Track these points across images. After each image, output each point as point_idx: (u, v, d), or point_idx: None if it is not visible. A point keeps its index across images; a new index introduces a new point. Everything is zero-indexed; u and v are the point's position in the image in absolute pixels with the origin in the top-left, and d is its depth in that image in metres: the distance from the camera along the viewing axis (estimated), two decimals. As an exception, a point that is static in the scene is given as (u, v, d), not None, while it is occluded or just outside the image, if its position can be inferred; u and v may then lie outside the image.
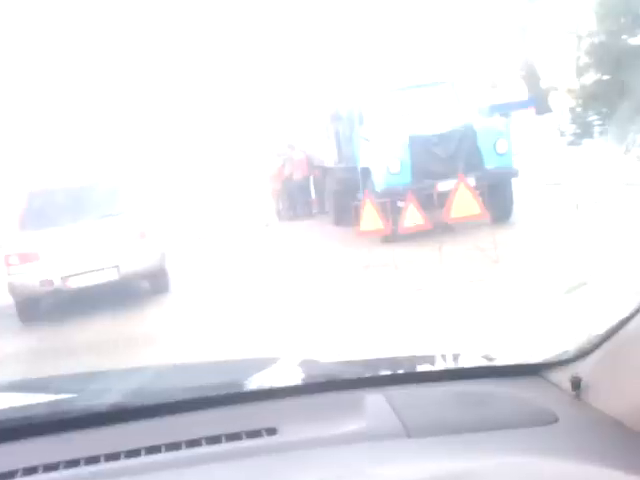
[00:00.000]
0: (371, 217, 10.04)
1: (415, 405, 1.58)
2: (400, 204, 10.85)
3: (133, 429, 1.56)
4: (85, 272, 8.89)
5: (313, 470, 1.37)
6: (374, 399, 1.60)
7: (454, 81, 12.90)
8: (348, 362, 1.99)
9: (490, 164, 11.03)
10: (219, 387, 1.72)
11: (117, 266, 9.01)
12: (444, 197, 10.49)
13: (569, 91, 20.21)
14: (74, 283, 8.95)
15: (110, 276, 9.04)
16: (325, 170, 15.43)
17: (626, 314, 1.34)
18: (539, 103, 23.34)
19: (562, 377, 1.54)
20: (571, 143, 15.08)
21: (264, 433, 1.51)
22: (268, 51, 19.75)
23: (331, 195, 14.95)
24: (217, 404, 1.64)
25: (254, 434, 1.50)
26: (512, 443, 1.40)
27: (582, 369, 1.48)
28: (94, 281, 8.97)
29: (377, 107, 12.44)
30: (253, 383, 1.78)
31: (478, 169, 10.94)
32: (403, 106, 12.26)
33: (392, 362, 1.94)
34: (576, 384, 1.47)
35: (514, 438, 1.42)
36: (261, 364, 1.96)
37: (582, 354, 1.51)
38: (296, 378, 1.81)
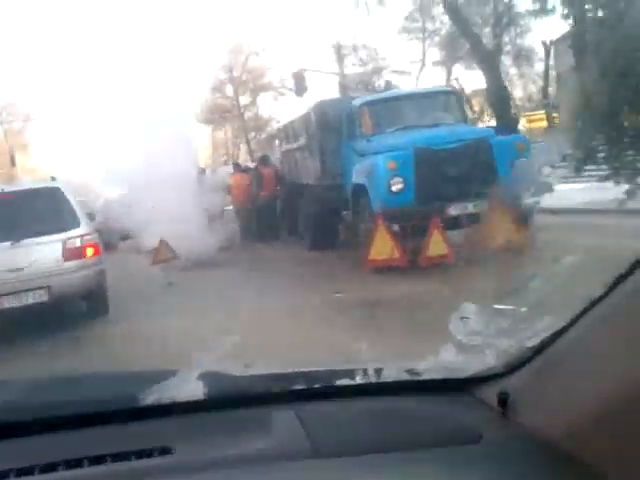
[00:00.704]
0: (383, 244, 8.17)
1: (328, 423, 1.48)
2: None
3: (6, 448, 1.46)
4: (11, 293, 7.87)
5: None
6: (284, 416, 1.49)
7: (459, 92, 11.19)
8: (258, 376, 1.78)
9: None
10: (108, 402, 1.59)
11: (48, 287, 7.98)
12: (455, 222, 8.73)
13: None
14: (-1, 304, 7.86)
15: (40, 297, 7.99)
16: (301, 187, 13.51)
17: (555, 330, 1.28)
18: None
19: (489, 393, 1.46)
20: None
21: (156, 453, 1.39)
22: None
23: (308, 216, 12.99)
24: (106, 421, 1.51)
25: (145, 454, 1.39)
26: (431, 463, 1.32)
27: (509, 385, 1.41)
28: (21, 303, 7.92)
29: (373, 117, 10.60)
30: (149, 398, 1.54)
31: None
32: (404, 116, 10.43)
33: (307, 376, 1.71)
34: (503, 401, 1.39)
35: (433, 458, 1.33)
36: (159, 377, 1.66)
37: (510, 370, 1.44)
38: (198, 392, 1.57)
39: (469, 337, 1.69)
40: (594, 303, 1.17)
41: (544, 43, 31.36)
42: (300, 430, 1.45)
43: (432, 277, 7.92)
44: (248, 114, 41.46)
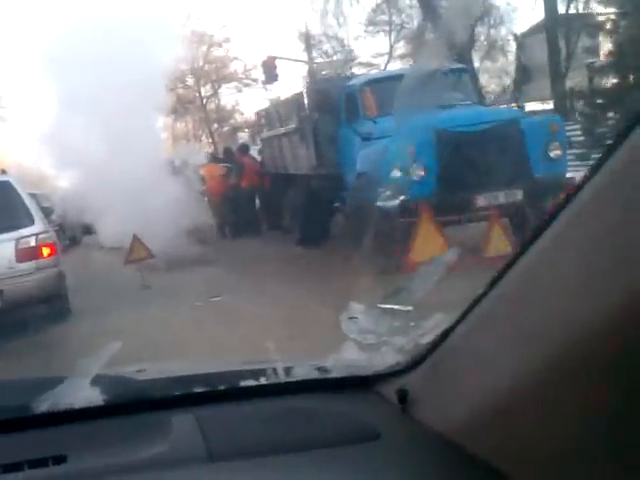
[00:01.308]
0: (429, 241, 6.78)
1: (226, 426, 1.43)
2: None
3: None
4: None
5: None
6: (182, 420, 1.42)
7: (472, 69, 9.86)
8: (158, 379, 1.72)
9: (540, 172, 7.96)
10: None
11: (0, 291, 7.17)
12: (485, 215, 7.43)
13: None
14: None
15: None
16: (287, 178, 12.03)
17: (447, 327, 1.26)
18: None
19: (389, 390, 1.43)
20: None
21: (50, 462, 1.33)
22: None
23: (297, 209, 11.53)
24: None
25: (38, 463, 1.33)
26: (329, 463, 1.30)
27: (409, 382, 1.38)
28: None
29: (378, 96, 9.18)
30: (40, 405, 1.45)
31: (526, 178, 7.85)
32: (416, 94, 9.02)
33: (208, 378, 1.65)
34: (402, 397, 1.37)
35: (332, 457, 1.31)
36: (52, 383, 1.54)
37: (409, 366, 1.41)
38: (94, 398, 1.48)
39: (362, 336, 1.59)
40: (478, 300, 1.13)
41: (515, 35, 30.45)
42: (197, 434, 1.38)
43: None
44: (210, 106, 39.63)
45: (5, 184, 7.76)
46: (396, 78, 9.32)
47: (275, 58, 24.58)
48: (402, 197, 7.86)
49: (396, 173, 7.86)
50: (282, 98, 12.35)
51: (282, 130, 11.54)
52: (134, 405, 1.53)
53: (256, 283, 9.15)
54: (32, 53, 15.00)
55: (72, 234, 16.10)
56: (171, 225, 11.85)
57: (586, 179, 0.85)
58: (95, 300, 9.01)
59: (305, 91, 10.47)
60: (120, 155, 12.29)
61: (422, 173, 7.84)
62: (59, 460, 1.34)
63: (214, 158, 15.46)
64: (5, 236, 7.31)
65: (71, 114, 13.41)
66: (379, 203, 8.22)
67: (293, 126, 10.74)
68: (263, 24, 49.16)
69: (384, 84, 9.25)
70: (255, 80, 38.21)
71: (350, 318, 1.65)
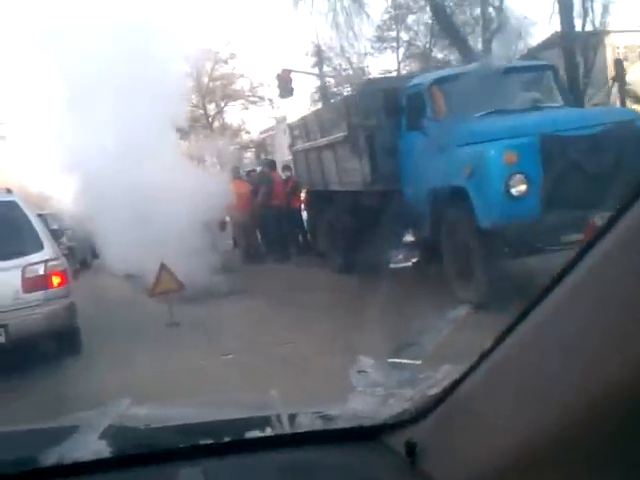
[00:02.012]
0: None
1: (234, 479, 1.43)
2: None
3: None
4: None
5: None
6: (190, 473, 1.38)
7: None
8: (165, 428, 1.64)
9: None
10: (5, 464, 1.42)
11: (4, 325, 6.40)
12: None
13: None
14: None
15: None
16: (329, 195, 10.42)
17: (458, 376, 1.20)
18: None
19: (397, 441, 1.37)
20: None
21: None
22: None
23: (341, 230, 9.92)
24: None
25: None
26: None
27: (417, 434, 1.31)
28: None
29: (453, 97, 7.61)
30: (47, 458, 1.39)
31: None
32: (495, 96, 7.47)
33: (215, 427, 1.60)
34: (410, 449, 1.30)
35: None
36: (60, 433, 1.53)
37: (417, 418, 1.35)
38: (102, 450, 1.43)
39: (371, 389, 1.54)
40: (488, 352, 1.09)
41: (529, 49, 29.15)
42: None
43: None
44: (215, 124, 38.07)
45: (10, 204, 6.93)
46: (470, 75, 7.79)
47: (290, 71, 23.12)
48: (499, 218, 6.27)
49: (493, 186, 6.26)
50: (324, 105, 10.68)
51: (324, 141, 9.92)
52: (142, 457, 1.48)
53: (297, 320, 7.63)
54: (38, 66, 13.20)
55: (82, 257, 14.48)
56: (193, 249, 10.25)
57: (606, 228, 0.80)
58: (113, 339, 7.46)
59: (358, 93, 8.84)
60: (135, 172, 10.71)
61: (524, 187, 6.25)
62: None
63: (238, 173, 13.77)
64: (10, 263, 6.49)
65: (80, 130, 11.84)
66: (462, 225, 6.62)
67: (341, 135, 9.11)
68: (269, 40, 47.66)
69: (457, 82, 7.68)
70: (262, 97, 36.92)
71: (359, 372, 1.61)
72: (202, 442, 1.49)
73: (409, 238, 8.12)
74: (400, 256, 8.20)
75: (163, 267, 8.36)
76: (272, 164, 13.68)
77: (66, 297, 6.91)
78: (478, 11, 27.10)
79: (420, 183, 7.63)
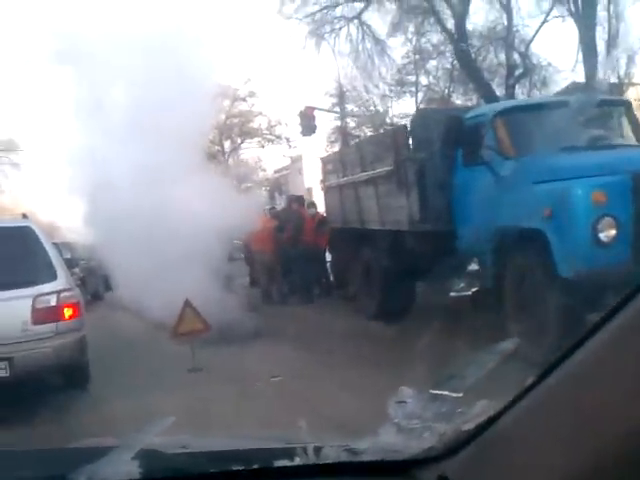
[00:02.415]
0: None
1: None
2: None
3: None
4: None
5: None
6: None
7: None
8: (195, 454, 1.70)
9: None
10: None
11: (10, 359, 5.94)
12: None
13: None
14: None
15: None
16: (364, 234, 9.57)
17: (491, 415, 1.20)
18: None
19: (429, 476, 1.38)
20: None
21: None
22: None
23: (377, 272, 9.04)
24: None
25: None
26: None
27: (448, 469, 1.32)
28: None
29: (521, 130, 6.80)
30: (78, 477, 1.40)
31: None
32: (568, 131, 6.66)
33: (245, 455, 1.63)
34: None
35: None
36: (93, 454, 1.52)
37: (448, 453, 1.35)
38: (134, 472, 1.42)
39: (407, 421, 1.52)
40: (528, 390, 1.09)
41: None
42: None
43: None
44: (231, 160, 37.54)
45: (25, 230, 6.53)
46: (539, 108, 7.02)
47: (314, 109, 22.55)
48: (584, 266, 5.40)
49: (580, 230, 5.40)
50: (367, 137, 9.89)
51: (365, 175, 9.11)
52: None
53: (331, 368, 6.76)
54: (56, 91, 12.42)
55: (95, 289, 13.61)
56: (213, 285, 9.39)
57: None
58: (126, 385, 6.60)
59: (412, 123, 8.06)
60: (153, 202, 9.91)
61: (613, 232, 5.39)
62: None
63: (295, 200, 12.91)
64: (21, 292, 6.05)
65: (97, 157, 11.08)
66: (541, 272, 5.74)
67: (387, 169, 8.29)
68: (288, 79, 47.27)
69: (524, 114, 6.91)
70: (279, 136, 36.48)
71: (398, 402, 1.58)
72: (232, 468, 1.50)
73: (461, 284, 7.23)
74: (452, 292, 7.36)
75: (187, 304, 7.48)
76: (301, 200, 12.86)
77: (78, 330, 6.47)
78: (502, 56, 26.67)
79: (480, 224, 6.78)
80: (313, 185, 33.75)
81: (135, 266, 10.11)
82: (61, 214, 15.57)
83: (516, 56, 25.92)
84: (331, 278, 12.54)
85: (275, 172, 41.83)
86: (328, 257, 12.44)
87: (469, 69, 21.80)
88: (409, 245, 8.12)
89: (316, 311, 10.83)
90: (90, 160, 11.10)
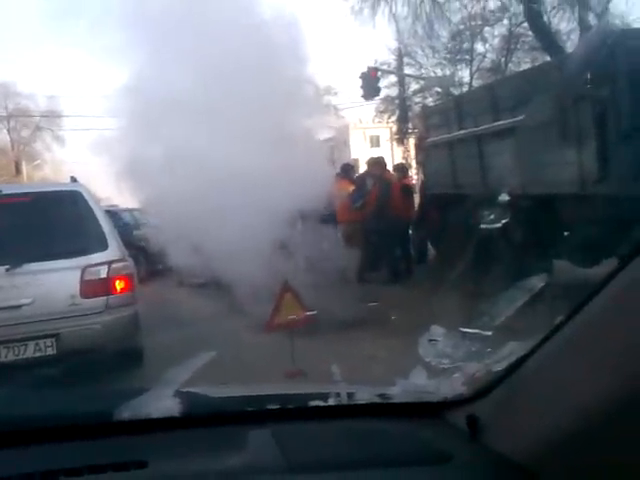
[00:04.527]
0: None
1: (302, 441, 1.45)
2: None
3: None
4: (1, 342, 5.30)
5: None
6: (259, 434, 1.45)
7: None
8: (234, 397, 1.72)
9: None
10: (86, 417, 1.53)
11: (56, 335, 5.40)
12: None
13: None
14: (-13, 355, 5.32)
15: (44, 350, 5.40)
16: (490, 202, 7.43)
17: (521, 355, 1.23)
18: None
19: (458, 417, 1.41)
20: None
21: (132, 467, 1.35)
22: None
23: (511, 250, 6.91)
24: (83, 435, 1.47)
25: (121, 467, 1.35)
26: None
27: (479, 409, 1.36)
28: (17, 356, 5.32)
29: None
30: (125, 413, 1.48)
31: None
32: None
33: (282, 398, 1.64)
34: (472, 424, 1.35)
35: (404, 476, 1.32)
36: (136, 394, 1.59)
37: (478, 394, 1.39)
38: (174, 410, 1.50)
39: (438, 360, 1.53)
40: (558, 327, 1.10)
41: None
42: (274, 447, 1.39)
43: None
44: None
45: (74, 195, 6.00)
46: None
47: (377, 70, 20.27)
48: None
49: None
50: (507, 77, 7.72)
51: (500, 125, 6.90)
52: (211, 418, 1.53)
53: None
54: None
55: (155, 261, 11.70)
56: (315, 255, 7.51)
57: None
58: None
59: (613, 47, 5.63)
60: (236, 163, 7.98)
61: None
62: (140, 465, 1.34)
63: (348, 171, 10.71)
64: (69, 262, 5.56)
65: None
66: None
67: (541, 113, 6.07)
68: (341, 45, 44.71)
69: None
70: (327, 105, 34.48)
71: (430, 340, 1.55)
72: (269, 407, 1.52)
73: None
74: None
75: (287, 288, 5.46)
76: (384, 163, 10.70)
77: (130, 306, 5.91)
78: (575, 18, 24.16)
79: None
80: (359, 156, 31.73)
81: (210, 240, 8.15)
82: (106, 187, 13.64)
83: (591, 17, 23.28)
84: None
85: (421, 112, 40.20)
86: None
87: (540, 32, 19.34)
88: (568, 213, 5.99)
89: (411, 292, 8.77)
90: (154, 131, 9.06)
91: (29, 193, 6.39)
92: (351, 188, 10.20)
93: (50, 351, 5.50)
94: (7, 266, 5.41)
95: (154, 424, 1.48)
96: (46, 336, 5.48)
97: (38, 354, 5.44)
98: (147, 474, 1.33)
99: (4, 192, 6.11)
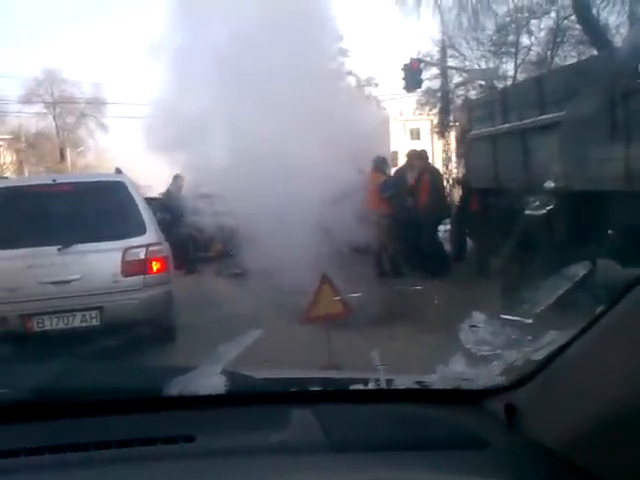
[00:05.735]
0: None
1: (344, 421, 1.48)
2: None
3: (42, 427, 1.47)
4: (53, 312, 5.95)
5: (228, 477, 1.31)
6: (301, 413, 1.49)
7: None
8: (278, 378, 1.76)
9: None
10: (137, 391, 1.62)
11: (100, 307, 6.03)
12: None
13: None
14: (37, 325, 5.96)
15: (89, 321, 6.04)
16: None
17: (561, 344, 1.22)
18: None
19: (496, 405, 1.43)
20: None
21: (181, 440, 1.40)
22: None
23: (560, 247, 6.74)
24: (134, 409, 1.53)
25: (170, 440, 1.40)
26: (439, 463, 1.32)
27: (517, 397, 1.37)
28: (66, 325, 5.97)
29: None
30: (173, 390, 1.53)
31: None
32: None
33: (323, 381, 1.71)
34: (510, 412, 1.36)
35: (441, 459, 1.33)
36: (185, 372, 1.62)
37: (517, 383, 1.40)
38: (220, 388, 1.54)
39: (478, 347, 1.53)
40: (599, 317, 1.09)
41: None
42: (317, 426, 1.42)
43: None
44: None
45: (118, 185, 6.62)
46: None
47: (420, 61, 20.08)
48: None
49: None
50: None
51: (549, 119, 6.71)
52: (257, 397, 1.58)
53: None
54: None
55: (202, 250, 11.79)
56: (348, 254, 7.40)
57: None
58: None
59: None
60: (291, 152, 8.03)
61: None
62: (188, 439, 1.38)
63: (381, 164, 10.53)
64: (112, 244, 6.21)
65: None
66: None
67: (589, 107, 5.88)
68: (383, 36, 44.05)
69: None
70: (368, 97, 34.21)
71: (471, 326, 1.54)
72: (311, 389, 1.58)
73: None
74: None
75: (325, 280, 5.44)
76: (426, 156, 10.54)
77: (165, 284, 6.50)
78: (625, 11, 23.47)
79: None
80: (399, 148, 31.50)
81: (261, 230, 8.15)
82: (147, 172, 13.71)
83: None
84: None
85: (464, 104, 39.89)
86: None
87: (588, 25, 18.79)
88: (613, 210, 5.82)
89: (451, 285, 8.63)
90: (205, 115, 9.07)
91: (79, 183, 7.09)
92: (382, 179, 10.13)
93: (95, 322, 6.08)
94: (59, 246, 5.98)
95: (202, 400, 1.52)
96: (91, 308, 6.06)
97: (84, 324, 6.04)
98: (194, 448, 1.37)
99: (58, 181, 6.81)
